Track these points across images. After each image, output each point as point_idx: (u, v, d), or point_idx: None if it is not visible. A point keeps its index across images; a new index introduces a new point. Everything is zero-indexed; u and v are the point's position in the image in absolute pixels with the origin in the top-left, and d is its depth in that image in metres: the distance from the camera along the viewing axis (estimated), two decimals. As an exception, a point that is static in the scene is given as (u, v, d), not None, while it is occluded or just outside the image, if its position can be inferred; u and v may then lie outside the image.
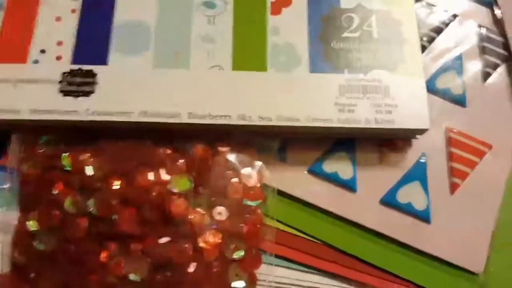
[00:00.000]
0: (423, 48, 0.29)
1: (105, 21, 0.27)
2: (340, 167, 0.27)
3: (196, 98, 0.25)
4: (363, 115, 0.25)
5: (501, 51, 0.30)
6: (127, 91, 0.26)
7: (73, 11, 0.27)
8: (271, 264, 0.26)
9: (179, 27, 0.27)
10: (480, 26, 0.31)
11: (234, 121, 0.25)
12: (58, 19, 0.27)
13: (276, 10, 0.27)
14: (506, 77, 0.29)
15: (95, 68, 0.26)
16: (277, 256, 0.26)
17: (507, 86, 0.29)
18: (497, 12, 0.30)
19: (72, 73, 0.26)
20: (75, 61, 0.26)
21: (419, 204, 0.27)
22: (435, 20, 0.30)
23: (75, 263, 0.25)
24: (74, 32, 0.27)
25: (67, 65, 0.26)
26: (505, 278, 0.27)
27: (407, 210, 0.27)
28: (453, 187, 0.27)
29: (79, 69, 0.26)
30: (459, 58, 0.30)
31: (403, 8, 0.27)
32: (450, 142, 0.28)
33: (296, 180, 0.27)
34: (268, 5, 0.27)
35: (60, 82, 0.26)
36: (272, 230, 0.26)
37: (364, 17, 0.27)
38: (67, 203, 0.25)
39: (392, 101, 0.26)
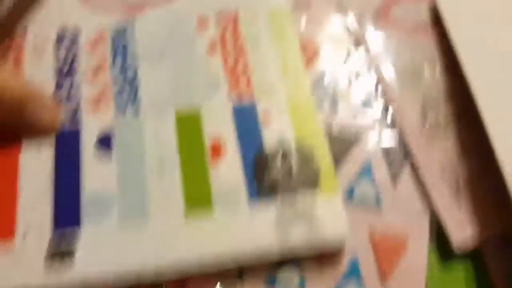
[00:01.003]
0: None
1: (75, 192, 0.32)
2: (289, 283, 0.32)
3: (161, 250, 0.30)
4: (296, 238, 0.31)
5: (403, 157, 0.37)
6: (104, 254, 0.30)
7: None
8: None
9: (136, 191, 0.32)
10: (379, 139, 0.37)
11: (196, 266, 0.30)
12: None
13: (213, 161, 0.33)
14: (411, 177, 0.36)
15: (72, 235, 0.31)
16: None
17: (414, 183, 0.36)
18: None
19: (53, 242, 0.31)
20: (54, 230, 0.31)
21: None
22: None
23: None
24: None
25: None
26: None
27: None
28: (385, 277, 0.33)
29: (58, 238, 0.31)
30: (369, 167, 0.36)
31: (315, 138, 0.34)
32: (374, 241, 0.34)
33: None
34: (208, 157, 0.33)
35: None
36: None
37: (285, 154, 0.33)
38: None
39: (318, 220, 0.32)
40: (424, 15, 0.42)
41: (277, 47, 0.37)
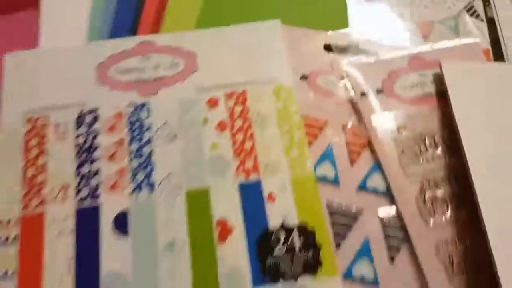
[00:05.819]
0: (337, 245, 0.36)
1: (94, 272, 0.34)
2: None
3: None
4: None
5: (401, 234, 0.36)
6: None
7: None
8: None
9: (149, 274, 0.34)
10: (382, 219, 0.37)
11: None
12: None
13: (220, 241, 0.35)
14: (408, 256, 0.36)
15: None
16: None
17: (411, 261, 0.36)
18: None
19: None
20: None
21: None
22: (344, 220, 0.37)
23: None
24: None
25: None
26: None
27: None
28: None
29: None
30: (367, 245, 0.36)
31: (316, 218, 0.35)
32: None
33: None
34: (215, 238, 0.35)
35: None
36: None
37: (288, 234, 0.35)
38: None
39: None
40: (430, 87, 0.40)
41: (282, 125, 0.37)
